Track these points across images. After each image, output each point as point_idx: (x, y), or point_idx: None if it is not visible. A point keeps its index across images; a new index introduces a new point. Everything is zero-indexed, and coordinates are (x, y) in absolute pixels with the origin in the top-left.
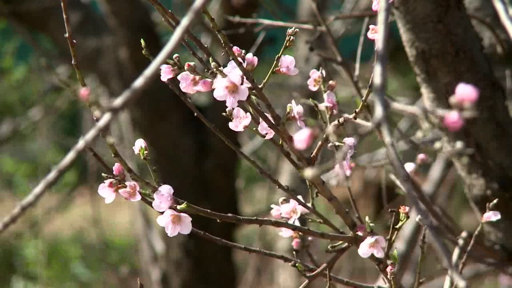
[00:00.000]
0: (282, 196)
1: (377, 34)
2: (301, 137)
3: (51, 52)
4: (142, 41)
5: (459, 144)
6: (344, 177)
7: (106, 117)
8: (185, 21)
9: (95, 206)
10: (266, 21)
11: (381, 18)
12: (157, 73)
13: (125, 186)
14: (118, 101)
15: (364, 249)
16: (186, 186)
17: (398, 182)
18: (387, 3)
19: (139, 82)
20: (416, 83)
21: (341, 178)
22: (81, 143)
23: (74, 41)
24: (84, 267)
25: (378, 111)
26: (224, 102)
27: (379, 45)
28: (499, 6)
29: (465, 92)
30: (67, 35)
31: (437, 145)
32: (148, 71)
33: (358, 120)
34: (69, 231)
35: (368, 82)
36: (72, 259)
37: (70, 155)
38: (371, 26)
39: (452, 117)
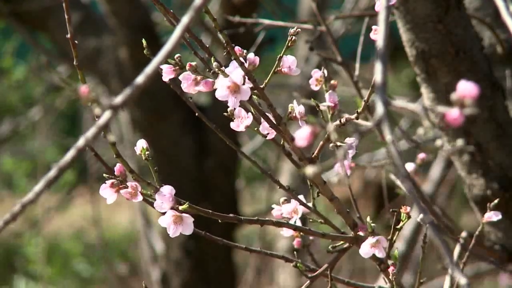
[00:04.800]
0: (282, 196)
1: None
2: (302, 135)
3: (51, 52)
4: (143, 41)
5: (459, 142)
6: (344, 175)
7: (107, 115)
8: (185, 19)
9: (95, 206)
10: (266, 21)
11: (381, 16)
12: (157, 73)
13: (127, 187)
14: (118, 99)
15: (366, 249)
16: (186, 186)
17: (398, 182)
18: (387, 1)
19: (139, 79)
20: (415, 82)
21: (342, 175)
22: (81, 141)
23: (76, 42)
24: (85, 265)
25: (379, 108)
26: (225, 102)
27: (379, 43)
28: (499, 3)
29: (466, 88)
30: (68, 35)
31: (438, 142)
32: (149, 69)
33: (359, 120)
34: (69, 230)
35: (369, 82)
36: (73, 256)
37: (71, 153)
38: (373, 27)
39: (453, 113)
